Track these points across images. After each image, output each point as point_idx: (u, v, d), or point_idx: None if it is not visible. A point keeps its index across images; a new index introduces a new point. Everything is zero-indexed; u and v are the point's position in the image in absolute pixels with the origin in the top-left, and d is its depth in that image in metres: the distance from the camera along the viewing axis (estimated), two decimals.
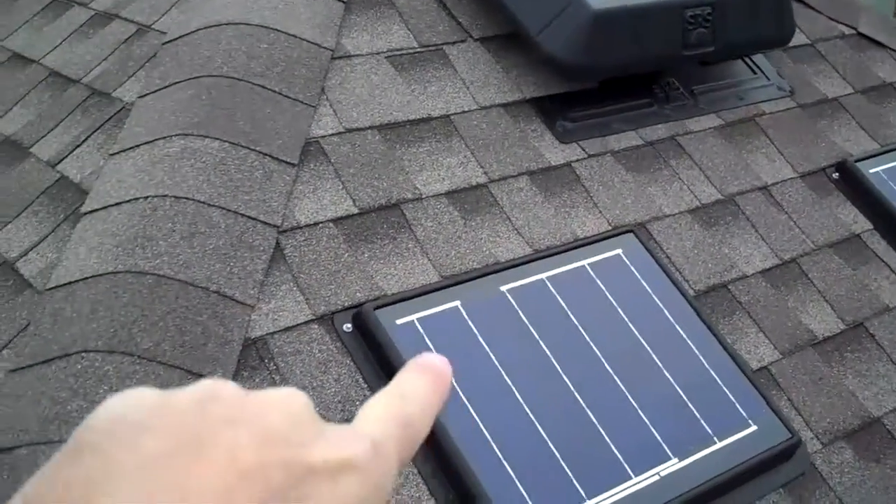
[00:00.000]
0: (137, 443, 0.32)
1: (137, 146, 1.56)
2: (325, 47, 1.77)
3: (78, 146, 1.71)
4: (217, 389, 0.34)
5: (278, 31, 1.75)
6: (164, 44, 1.77)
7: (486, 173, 1.72)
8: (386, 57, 1.83)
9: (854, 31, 2.50)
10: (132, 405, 0.33)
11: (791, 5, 2.18)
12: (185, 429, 0.32)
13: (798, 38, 2.30)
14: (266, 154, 1.56)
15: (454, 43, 1.92)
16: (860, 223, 2.00)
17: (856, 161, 2.09)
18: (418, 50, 1.87)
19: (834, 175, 2.08)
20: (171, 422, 0.33)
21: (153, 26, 1.88)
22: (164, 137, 1.55)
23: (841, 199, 2.04)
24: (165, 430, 0.32)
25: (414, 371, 0.40)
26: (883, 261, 1.95)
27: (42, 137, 1.78)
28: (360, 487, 0.34)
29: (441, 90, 1.82)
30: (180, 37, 1.75)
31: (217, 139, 1.55)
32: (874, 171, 2.09)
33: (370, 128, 1.70)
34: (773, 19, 2.15)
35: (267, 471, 0.32)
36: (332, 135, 1.66)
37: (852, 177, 2.07)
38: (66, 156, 1.70)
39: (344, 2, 1.86)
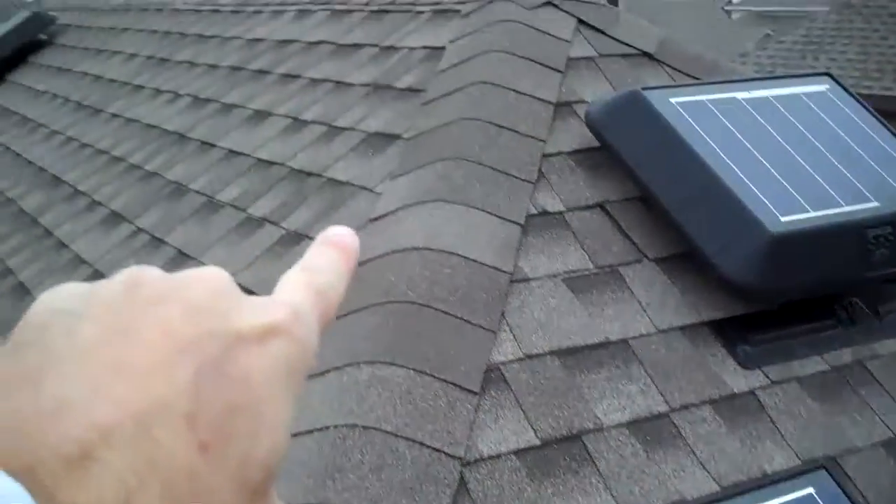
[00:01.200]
0: (73, 331, 0.33)
1: (327, 372, 1.62)
2: (504, 271, 1.82)
3: None
4: (140, 274, 0.36)
5: (459, 255, 1.81)
6: None
7: (666, 402, 1.69)
8: (563, 279, 1.86)
9: None
10: (63, 297, 0.35)
11: None
12: (117, 313, 0.34)
13: None
14: (450, 382, 1.59)
15: (629, 264, 1.94)
16: None
17: None
18: (594, 271, 1.89)
19: None
20: (103, 308, 0.34)
21: None
22: (353, 364, 1.60)
23: None
24: (99, 316, 0.33)
25: (322, 245, 0.42)
26: None
27: None
28: (287, 348, 0.36)
29: (618, 313, 1.83)
30: (368, 260, 1.84)
31: (403, 367, 1.59)
32: None
33: (549, 353, 1.71)
34: None
35: (200, 341, 0.33)
36: (513, 361, 1.68)
37: None
38: None
39: (521, 224, 1.92)
